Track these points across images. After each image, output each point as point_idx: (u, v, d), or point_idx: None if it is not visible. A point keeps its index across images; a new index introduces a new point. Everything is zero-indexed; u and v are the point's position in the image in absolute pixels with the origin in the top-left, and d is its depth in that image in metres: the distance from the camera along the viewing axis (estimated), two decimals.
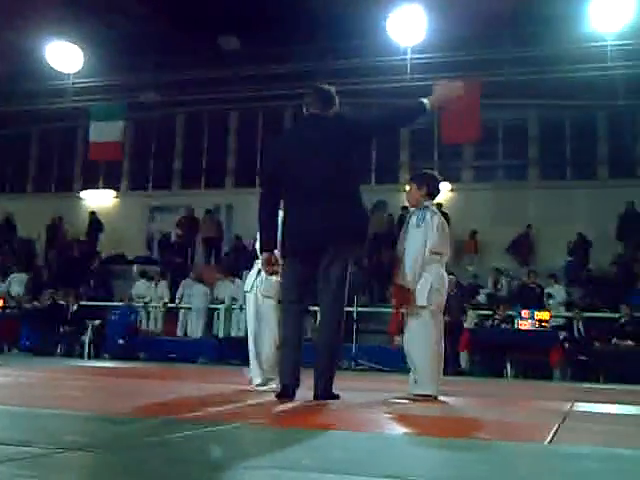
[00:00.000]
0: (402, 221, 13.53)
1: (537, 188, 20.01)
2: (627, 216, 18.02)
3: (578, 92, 18.60)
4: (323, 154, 5.14)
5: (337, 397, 5.08)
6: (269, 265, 5.39)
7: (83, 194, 24.16)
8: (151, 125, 24.03)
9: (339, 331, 5.17)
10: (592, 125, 20.08)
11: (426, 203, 5.98)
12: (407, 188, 6.16)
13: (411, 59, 19.27)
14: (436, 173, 6.38)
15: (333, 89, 5.45)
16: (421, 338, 5.77)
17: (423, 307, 5.76)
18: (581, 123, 20.25)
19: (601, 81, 17.79)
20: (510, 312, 14.40)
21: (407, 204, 6.31)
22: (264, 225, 5.37)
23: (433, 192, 6.08)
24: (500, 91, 18.45)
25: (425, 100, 5.26)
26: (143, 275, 19.16)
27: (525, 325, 13.89)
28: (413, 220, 5.90)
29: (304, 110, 5.45)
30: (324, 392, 5.03)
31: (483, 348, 14.31)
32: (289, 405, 4.78)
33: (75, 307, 17.18)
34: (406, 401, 5.52)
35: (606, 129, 19.92)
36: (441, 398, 5.73)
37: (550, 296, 15.88)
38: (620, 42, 17.69)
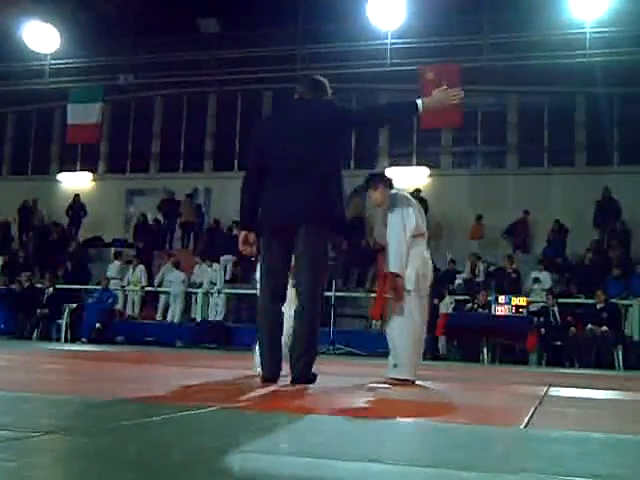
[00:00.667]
0: None
1: (515, 174, 20.06)
2: (603, 203, 18.11)
3: (557, 79, 18.68)
4: (305, 135, 5.15)
5: (314, 381, 5.08)
6: (244, 244, 5.39)
7: (60, 177, 23.94)
8: (129, 107, 23.83)
9: (316, 315, 5.16)
10: (570, 112, 20.13)
11: (392, 192, 6.01)
12: (369, 196, 6.19)
13: (391, 44, 19.27)
14: (376, 170, 6.40)
15: (326, 81, 5.51)
16: (405, 323, 5.78)
17: (409, 292, 5.77)
18: (559, 110, 20.30)
19: (580, 68, 17.87)
20: (490, 298, 14.47)
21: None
22: (245, 207, 5.37)
23: (389, 184, 6.10)
24: (479, 77, 18.48)
25: (419, 102, 5.16)
26: (117, 257, 19.07)
27: (502, 310, 13.96)
28: (388, 209, 5.92)
29: (295, 96, 5.53)
30: (301, 376, 5.02)
31: (460, 333, 14.38)
32: (267, 389, 4.78)
33: (52, 290, 17.07)
34: (384, 385, 5.53)
35: (584, 116, 19.97)
36: (419, 382, 5.76)
37: (537, 280, 15.96)
38: (599, 29, 17.77)
